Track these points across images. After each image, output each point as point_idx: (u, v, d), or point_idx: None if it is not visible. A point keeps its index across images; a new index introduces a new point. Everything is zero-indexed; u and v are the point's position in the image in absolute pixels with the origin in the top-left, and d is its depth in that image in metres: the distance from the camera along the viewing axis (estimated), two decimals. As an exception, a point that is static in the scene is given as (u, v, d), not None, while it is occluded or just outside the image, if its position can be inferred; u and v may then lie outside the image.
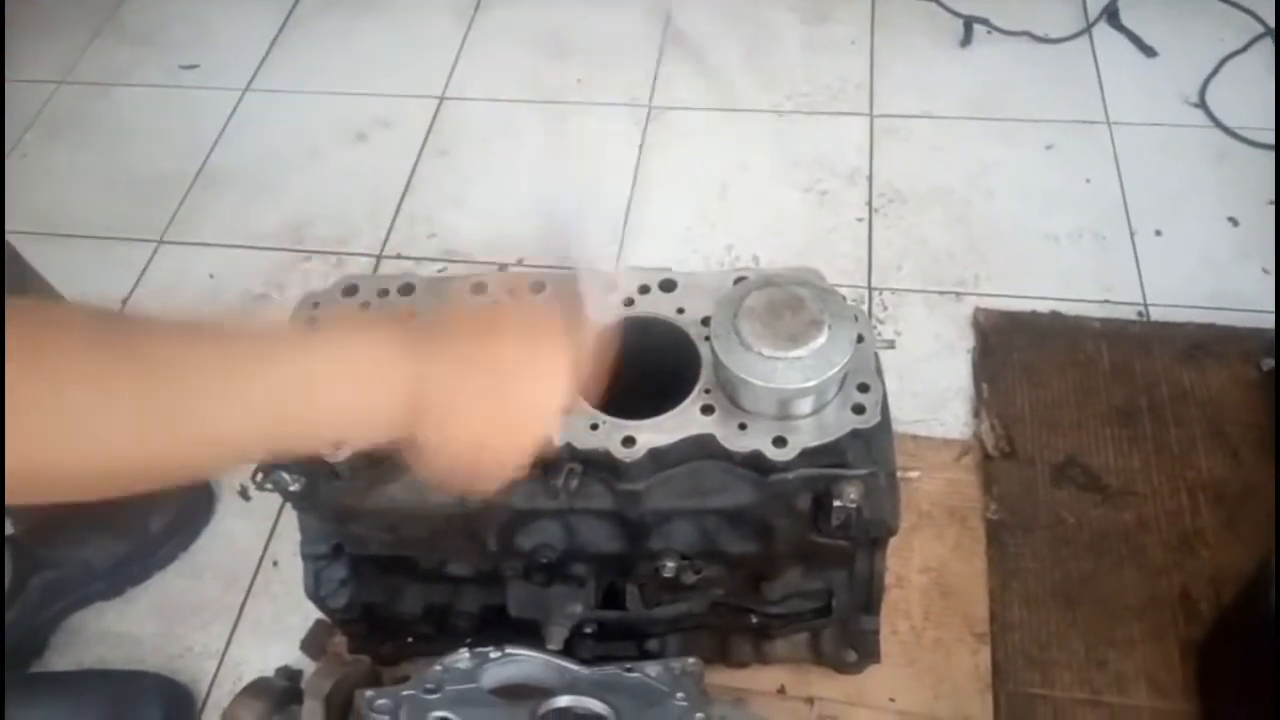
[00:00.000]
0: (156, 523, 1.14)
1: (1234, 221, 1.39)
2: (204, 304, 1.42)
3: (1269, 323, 1.23)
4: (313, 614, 1.04)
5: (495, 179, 1.55)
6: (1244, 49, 1.59)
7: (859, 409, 0.74)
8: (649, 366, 0.79)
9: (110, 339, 0.47)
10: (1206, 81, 1.56)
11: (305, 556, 0.89)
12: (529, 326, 0.63)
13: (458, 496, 0.75)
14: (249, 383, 0.51)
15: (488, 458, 0.62)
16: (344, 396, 0.55)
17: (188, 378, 0.48)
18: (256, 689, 0.89)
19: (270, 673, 0.92)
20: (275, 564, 1.16)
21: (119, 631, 1.12)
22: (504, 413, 0.60)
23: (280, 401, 0.52)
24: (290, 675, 0.92)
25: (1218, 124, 1.51)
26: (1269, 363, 1.18)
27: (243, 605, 1.13)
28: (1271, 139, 1.47)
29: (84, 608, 1.12)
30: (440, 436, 0.59)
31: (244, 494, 1.21)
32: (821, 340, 0.72)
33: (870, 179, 1.49)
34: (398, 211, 1.53)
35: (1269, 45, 1.60)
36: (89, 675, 1.07)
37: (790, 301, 0.74)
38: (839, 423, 0.74)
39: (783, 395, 0.72)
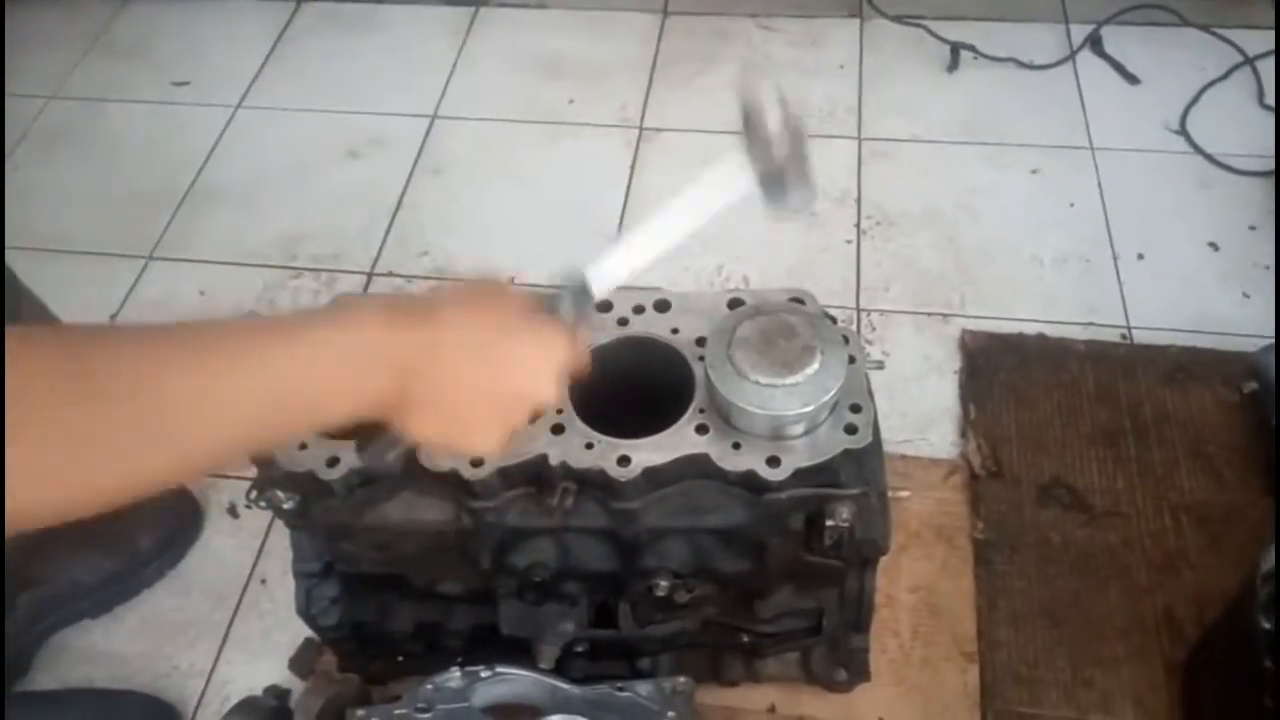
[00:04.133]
0: (145, 540, 1.14)
1: (1215, 246, 1.42)
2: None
3: (1250, 346, 1.25)
4: (301, 633, 1.04)
5: (488, 198, 1.56)
6: (1224, 77, 1.63)
7: (851, 429, 0.75)
8: (643, 385, 0.80)
9: (76, 367, 0.45)
10: (1188, 109, 1.59)
11: (297, 574, 0.89)
12: (519, 300, 0.63)
13: (459, 460, 0.75)
14: (230, 385, 0.50)
15: (485, 409, 0.61)
16: (326, 380, 0.54)
17: (156, 397, 0.47)
18: (245, 708, 0.89)
19: (258, 692, 0.91)
20: (264, 582, 1.15)
21: (105, 650, 1.11)
22: (498, 361, 0.60)
23: (261, 400, 0.51)
24: (279, 694, 0.92)
25: (1199, 150, 1.53)
26: (1251, 385, 1.20)
27: (230, 623, 1.13)
28: (1251, 165, 1.50)
29: (70, 625, 1.11)
30: (433, 395, 0.58)
31: (233, 512, 1.21)
32: (815, 366, 0.73)
33: (859, 201, 1.51)
34: (389, 229, 1.53)
35: (1249, 74, 1.63)
36: (75, 695, 1.06)
37: (783, 329, 0.75)
38: (831, 443, 0.75)
39: (778, 420, 0.73)
